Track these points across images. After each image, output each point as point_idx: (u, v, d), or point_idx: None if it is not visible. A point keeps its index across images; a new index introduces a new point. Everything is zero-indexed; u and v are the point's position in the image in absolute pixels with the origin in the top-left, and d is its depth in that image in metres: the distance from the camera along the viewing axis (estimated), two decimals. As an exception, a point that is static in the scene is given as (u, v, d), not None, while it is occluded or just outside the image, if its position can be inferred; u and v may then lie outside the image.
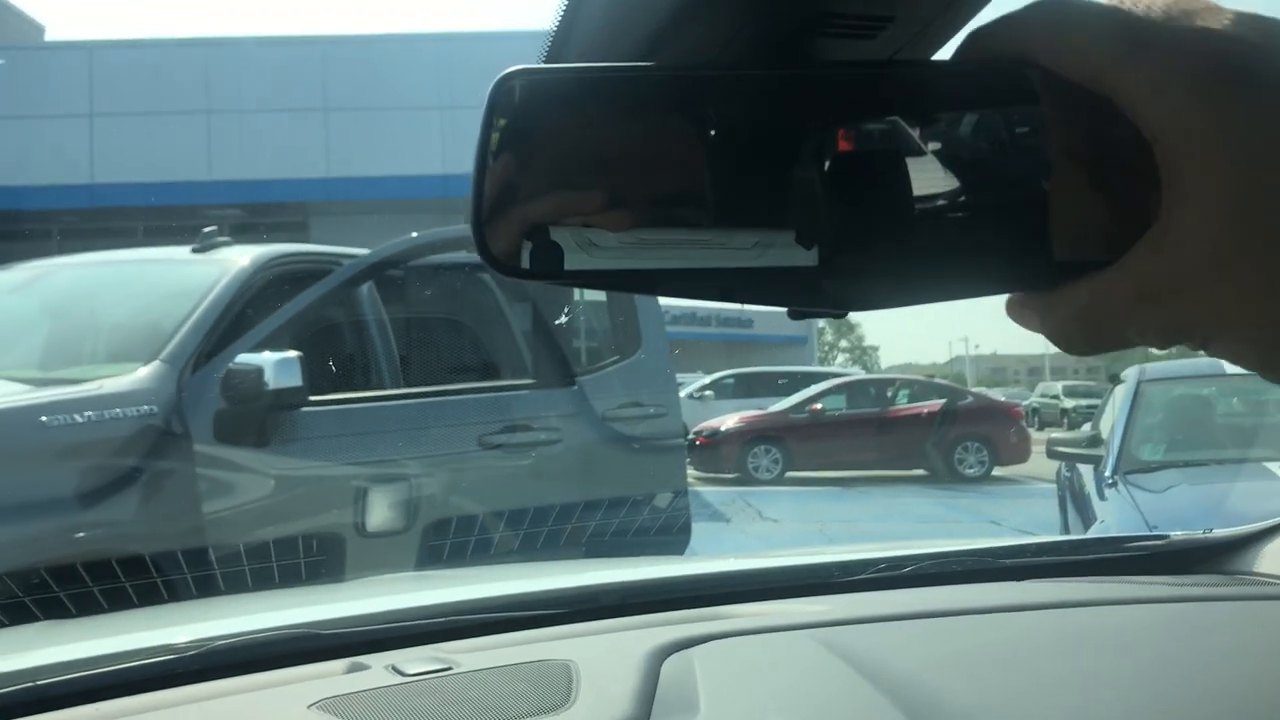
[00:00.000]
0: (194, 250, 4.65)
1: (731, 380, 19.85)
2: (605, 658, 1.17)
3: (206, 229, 4.75)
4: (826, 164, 0.50)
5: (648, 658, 1.13)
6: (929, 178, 0.51)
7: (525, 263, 0.47)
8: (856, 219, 0.50)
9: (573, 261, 0.47)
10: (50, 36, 21.20)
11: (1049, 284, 0.51)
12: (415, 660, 1.18)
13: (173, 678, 1.21)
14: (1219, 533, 1.60)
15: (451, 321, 5.26)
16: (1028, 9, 0.49)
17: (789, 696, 1.09)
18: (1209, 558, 1.59)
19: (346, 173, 18.29)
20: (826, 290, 0.51)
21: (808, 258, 0.48)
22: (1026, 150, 0.51)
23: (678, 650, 1.16)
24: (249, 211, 18.32)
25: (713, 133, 0.49)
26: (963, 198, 0.51)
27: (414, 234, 4.71)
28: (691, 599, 1.41)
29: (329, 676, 1.19)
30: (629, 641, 1.20)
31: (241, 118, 18.68)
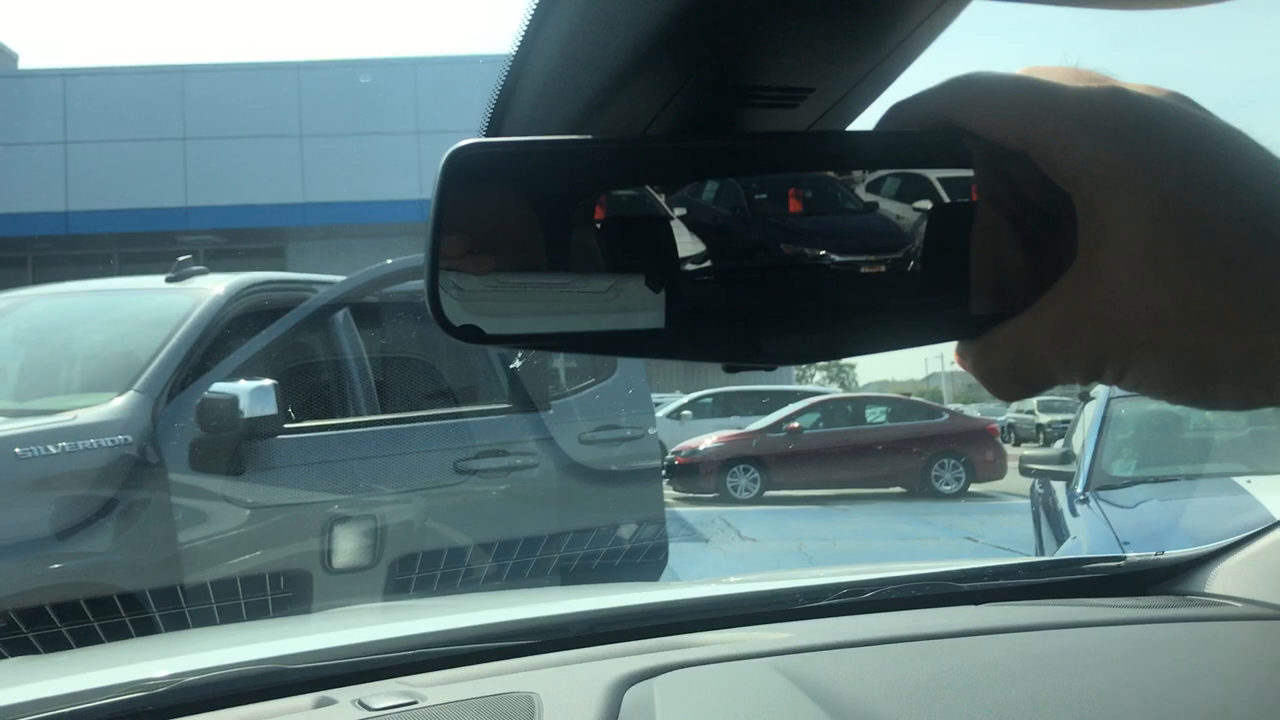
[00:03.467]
0: (168, 279, 4.65)
1: (710, 399, 19.86)
2: (568, 689, 1.19)
3: (181, 258, 4.75)
4: (754, 226, 0.54)
5: (609, 689, 1.15)
6: (853, 240, 0.55)
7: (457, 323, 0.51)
8: (780, 279, 0.53)
9: (451, 311, 0.50)
10: (24, 64, 21.08)
11: (969, 335, 0.54)
12: (382, 695, 1.20)
13: (144, 715, 1.22)
14: (1172, 554, 1.63)
15: (427, 347, 5.27)
16: (944, 82, 0.52)
17: (745, 726, 1.11)
18: (1163, 579, 1.62)
19: (323, 198, 18.26)
20: (759, 345, 0.54)
21: (655, 307, 0.51)
22: (945, 212, 0.55)
23: (639, 680, 1.18)
24: (226, 238, 18.28)
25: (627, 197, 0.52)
26: (884, 258, 0.55)
27: (389, 260, 4.72)
28: (655, 628, 1.44)
29: (297, 712, 1.21)
30: (592, 672, 1.22)
31: (217, 144, 18.63)
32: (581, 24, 0.54)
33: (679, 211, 0.52)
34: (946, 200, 0.55)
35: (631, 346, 0.53)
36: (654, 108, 0.56)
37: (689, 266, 0.52)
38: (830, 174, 0.55)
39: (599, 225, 0.52)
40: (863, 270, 0.54)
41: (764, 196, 0.54)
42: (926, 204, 0.55)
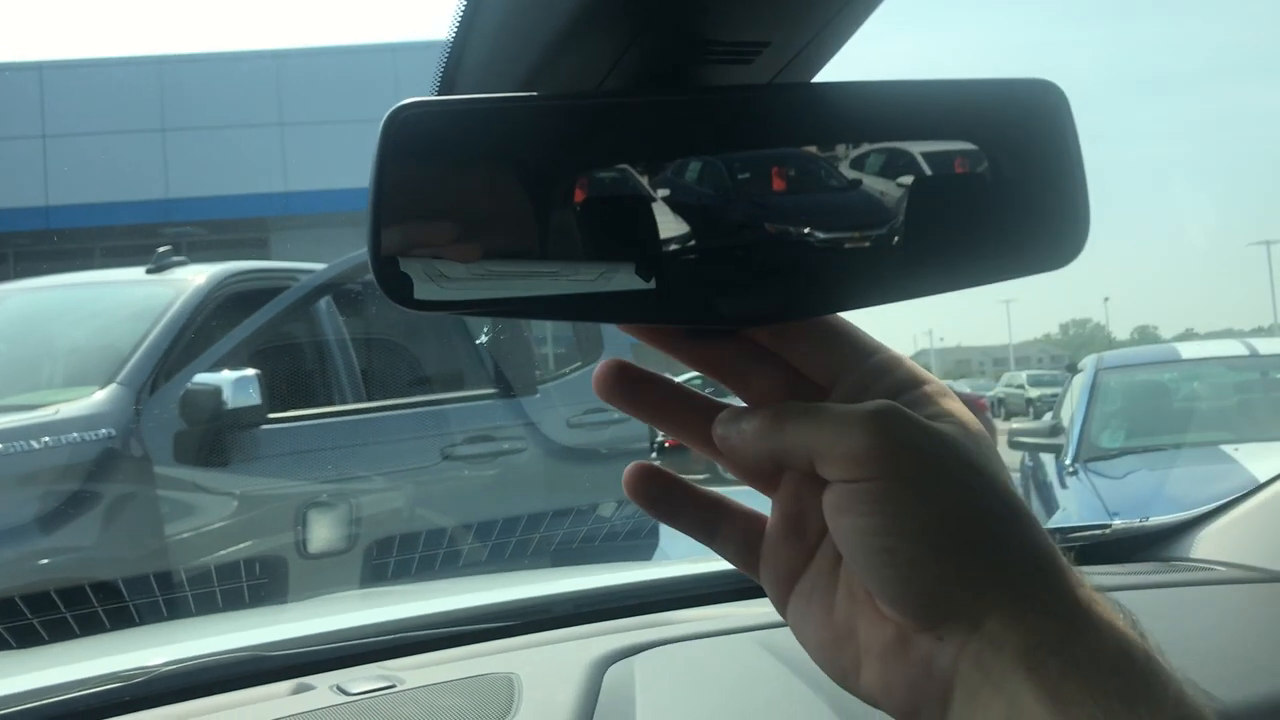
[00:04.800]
0: (149, 271, 4.62)
1: (700, 379, 19.85)
2: (548, 669, 1.18)
3: (161, 249, 4.72)
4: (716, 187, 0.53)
5: (590, 668, 1.14)
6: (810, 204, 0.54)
7: (416, 293, 0.49)
8: (732, 239, 0.52)
9: (424, 291, 0.48)
10: None
11: (928, 292, 0.54)
12: (360, 679, 1.19)
13: (119, 706, 1.21)
14: (1156, 520, 1.63)
15: (411, 333, 5.25)
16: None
17: (725, 700, 1.10)
18: (1148, 545, 1.62)
19: (305, 186, 18.18)
20: (715, 305, 0.53)
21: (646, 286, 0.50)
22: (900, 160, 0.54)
23: (620, 659, 1.17)
24: (208, 229, 18.18)
25: (585, 164, 0.51)
26: (853, 216, 0.54)
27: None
28: (637, 606, 1.43)
29: (275, 699, 1.20)
30: (572, 652, 1.21)
31: (197, 135, 18.53)
32: None
33: (632, 168, 0.51)
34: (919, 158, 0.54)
35: (578, 310, 0.52)
36: (604, 67, 0.54)
37: (643, 228, 0.51)
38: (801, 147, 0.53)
39: (546, 186, 0.50)
40: (819, 233, 0.53)
41: (712, 156, 0.53)
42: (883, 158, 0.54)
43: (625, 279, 0.50)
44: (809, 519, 0.53)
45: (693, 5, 0.51)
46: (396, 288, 0.48)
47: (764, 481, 0.56)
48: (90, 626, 2.96)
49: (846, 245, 0.53)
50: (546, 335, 5.58)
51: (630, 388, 0.57)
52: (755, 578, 0.56)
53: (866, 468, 0.48)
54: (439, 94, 0.60)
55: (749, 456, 0.54)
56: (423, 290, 0.49)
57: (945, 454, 0.49)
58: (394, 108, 0.49)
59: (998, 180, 0.54)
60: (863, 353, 0.55)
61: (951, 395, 0.54)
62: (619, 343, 5.37)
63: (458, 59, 0.59)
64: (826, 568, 0.53)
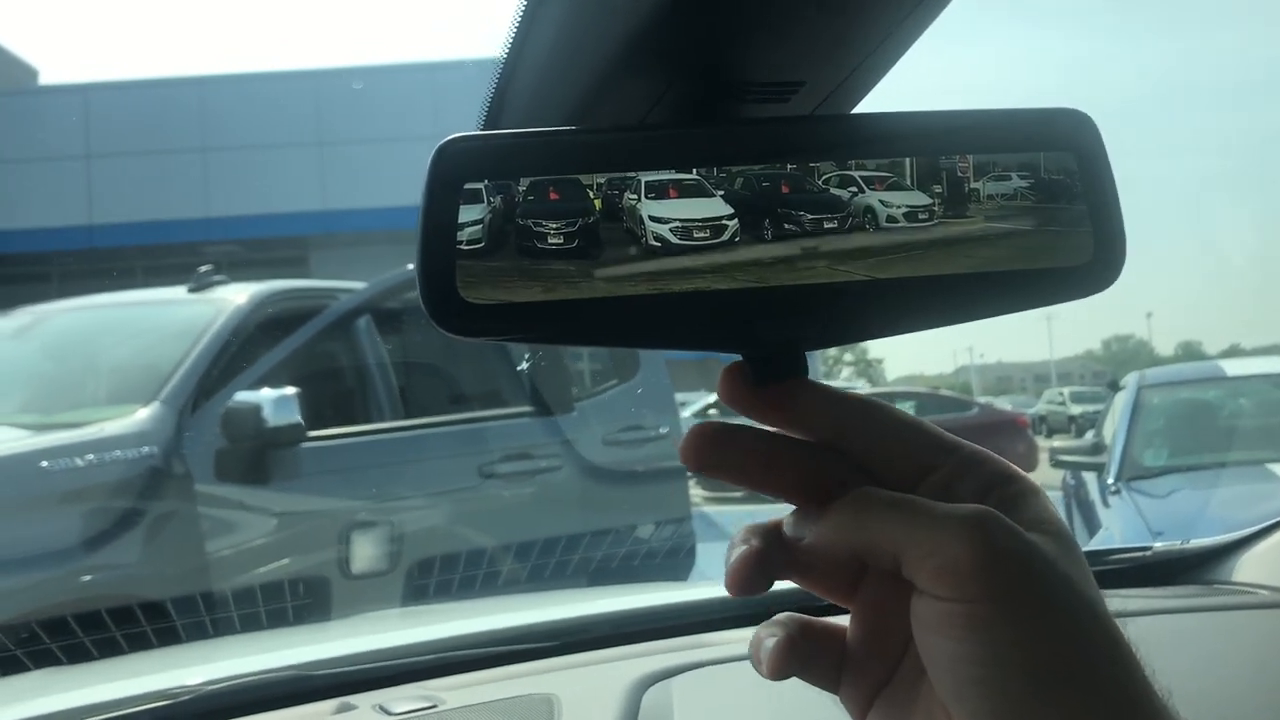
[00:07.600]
0: (190, 290, 4.67)
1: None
2: (587, 690, 1.19)
3: (202, 268, 4.77)
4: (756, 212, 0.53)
5: (629, 689, 1.15)
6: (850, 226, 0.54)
7: (476, 324, 0.50)
8: (784, 263, 0.53)
9: (470, 319, 0.49)
10: (44, 80, 21.25)
11: (976, 316, 0.54)
12: (402, 699, 1.20)
13: (167, 724, 1.23)
14: (1197, 543, 1.62)
15: (449, 351, 5.28)
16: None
17: (764, 724, 1.10)
18: (1190, 568, 1.60)
19: (344, 205, 18.32)
20: (753, 330, 0.53)
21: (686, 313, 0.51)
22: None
23: (659, 680, 1.18)
24: (248, 247, 18.34)
25: (632, 190, 0.52)
26: (887, 242, 0.54)
27: (410, 265, 4.71)
28: (676, 627, 1.43)
29: (319, 718, 1.21)
30: (611, 673, 1.22)
31: (237, 154, 18.73)
32: (567, 24, 0.54)
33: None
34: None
35: (620, 337, 0.53)
36: (644, 107, 0.55)
37: (678, 253, 0.52)
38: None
39: (588, 218, 0.51)
40: (865, 246, 0.53)
41: (767, 184, 0.53)
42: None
43: (665, 307, 0.51)
44: (893, 629, 0.50)
45: (729, 49, 0.52)
46: (445, 316, 0.50)
47: (841, 592, 0.53)
48: (134, 644, 2.99)
49: (886, 274, 0.53)
50: (583, 353, 5.59)
51: (725, 452, 0.52)
52: (833, 691, 0.53)
53: (965, 588, 0.44)
54: (485, 126, 0.61)
55: (827, 554, 0.49)
56: (470, 318, 0.50)
57: (1047, 572, 0.46)
58: (442, 142, 0.50)
59: (1035, 208, 0.55)
60: (944, 449, 0.51)
61: (1043, 493, 0.51)
62: (655, 362, 5.38)
63: (500, 103, 0.61)
64: (910, 678, 0.50)
